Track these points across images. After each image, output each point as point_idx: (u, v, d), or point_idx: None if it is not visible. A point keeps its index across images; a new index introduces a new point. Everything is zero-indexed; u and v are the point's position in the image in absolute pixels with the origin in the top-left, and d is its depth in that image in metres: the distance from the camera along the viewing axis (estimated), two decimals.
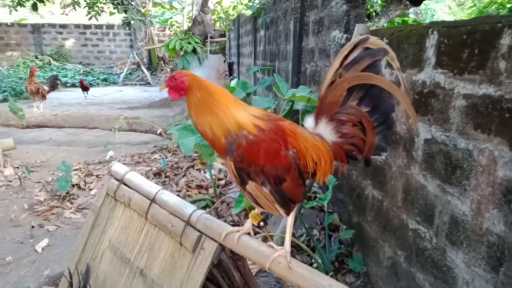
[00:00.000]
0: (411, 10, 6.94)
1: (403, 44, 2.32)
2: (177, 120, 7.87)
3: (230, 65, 11.84)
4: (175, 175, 5.08)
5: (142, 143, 6.96)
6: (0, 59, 16.84)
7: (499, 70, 1.62)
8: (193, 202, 3.98)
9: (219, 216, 3.86)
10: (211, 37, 13.16)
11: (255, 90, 5.56)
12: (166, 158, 5.73)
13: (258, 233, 3.05)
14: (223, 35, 14.51)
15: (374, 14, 6.04)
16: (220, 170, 4.88)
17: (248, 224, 1.54)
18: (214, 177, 4.46)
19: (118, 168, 2.19)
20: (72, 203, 4.42)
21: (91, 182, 4.96)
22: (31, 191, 4.71)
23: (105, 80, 15.95)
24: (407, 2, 5.35)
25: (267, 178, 1.29)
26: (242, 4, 13.43)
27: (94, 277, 2.08)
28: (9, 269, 3.19)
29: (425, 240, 2.14)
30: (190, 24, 13.97)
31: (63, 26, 19.08)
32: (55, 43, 18.95)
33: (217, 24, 14.97)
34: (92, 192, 4.66)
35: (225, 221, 3.73)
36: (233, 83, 4.73)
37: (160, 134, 7.19)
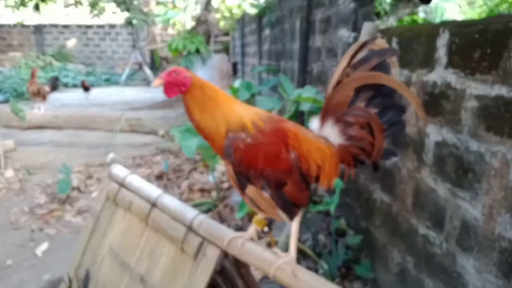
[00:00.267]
0: (421, 8, 6.88)
1: (413, 43, 2.29)
2: (179, 122, 7.83)
3: (234, 65, 11.81)
4: (178, 177, 5.04)
5: (143, 145, 6.91)
6: (3, 60, 16.86)
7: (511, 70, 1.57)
8: (195, 206, 3.94)
9: (222, 220, 3.81)
10: (215, 36, 13.14)
11: (259, 91, 5.51)
12: (168, 160, 5.68)
13: (262, 237, 3.00)
14: (227, 34, 14.49)
15: (382, 12, 5.99)
16: (223, 173, 4.83)
17: (251, 230, 1.49)
18: (217, 180, 4.40)
19: (119, 171, 2.15)
20: (72, 206, 4.38)
21: (92, 185, 4.92)
22: (32, 194, 4.68)
23: (107, 80, 15.95)
24: (417, 1, 5.30)
25: (267, 182, 1.25)
26: (246, 2, 13.39)
27: (93, 283, 2.04)
28: (9, 272, 3.16)
29: (435, 246, 2.10)
30: (193, 23, 13.95)
31: (65, 26, 19.14)
32: (57, 44, 18.99)
33: (221, 23, 14.96)
34: (93, 195, 4.62)
35: (228, 225, 3.68)
36: (237, 83, 4.66)
37: (162, 136, 7.15)
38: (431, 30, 2.13)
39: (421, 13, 7.58)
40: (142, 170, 5.39)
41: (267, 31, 7.45)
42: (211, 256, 1.56)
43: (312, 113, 3.30)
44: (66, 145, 6.95)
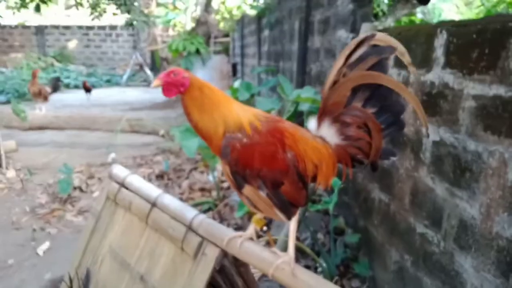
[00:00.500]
0: (418, 9, 6.87)
1: (411, 43, 2.29)
2: (180, 122, 7.84)
3: (234, 66, 11.81)
4: (178, 177, 5.05)
5: (144, 145, 6.92)
6: (4, 61, 16.87)
7: (510, 70, 1.58)
8: (196, 205, 3.96)
9: (222, 219, 3.83)
10: (215, 37, 13.15)
11: (259, 91, 5.52)
12: (169, 160, 5.69)
13: (261, 236, 3.01)
14: (226, 36, 14.50)
15: (381, 13, 5.98)
16: (223, 173, 4.83)
17: (251, 229, 1.50)
18: (217, 179, 4.42)
19: (119, 171, 2.16)
20: (73, 206, 4.39)
21: (93, 185, 4.93)
22: (33, 194, 4.69)
23: (108, 81, 15.96)
24: (415, 1, 5.29)
25: (263, 182, 1.25)
26: (246, 3, 13.40)
27: (94, 282, 2.05)
28: (11, 272, 3.17)
29: (433, 244, 2.10)
30: (193, 25, 13.97)
31: (66, 27, 19.12)
32: (58, 45, 18.98)
33: (221, 24, 14.96)
34: (94, 195, 4.63)
35: (228, 224, 3.69)
36: (236, 84, 4.68)
37: (162, 136, 7.17)
38: (429, 30, 2.13)
39: (419, 14, 7.57)
40: (143, 169, 5.40)
41: (266, 32, 7.45)
42: (211, 256, 1.56)
43: (311, 113, 3.32)
44: (67, 145, 6.96)
